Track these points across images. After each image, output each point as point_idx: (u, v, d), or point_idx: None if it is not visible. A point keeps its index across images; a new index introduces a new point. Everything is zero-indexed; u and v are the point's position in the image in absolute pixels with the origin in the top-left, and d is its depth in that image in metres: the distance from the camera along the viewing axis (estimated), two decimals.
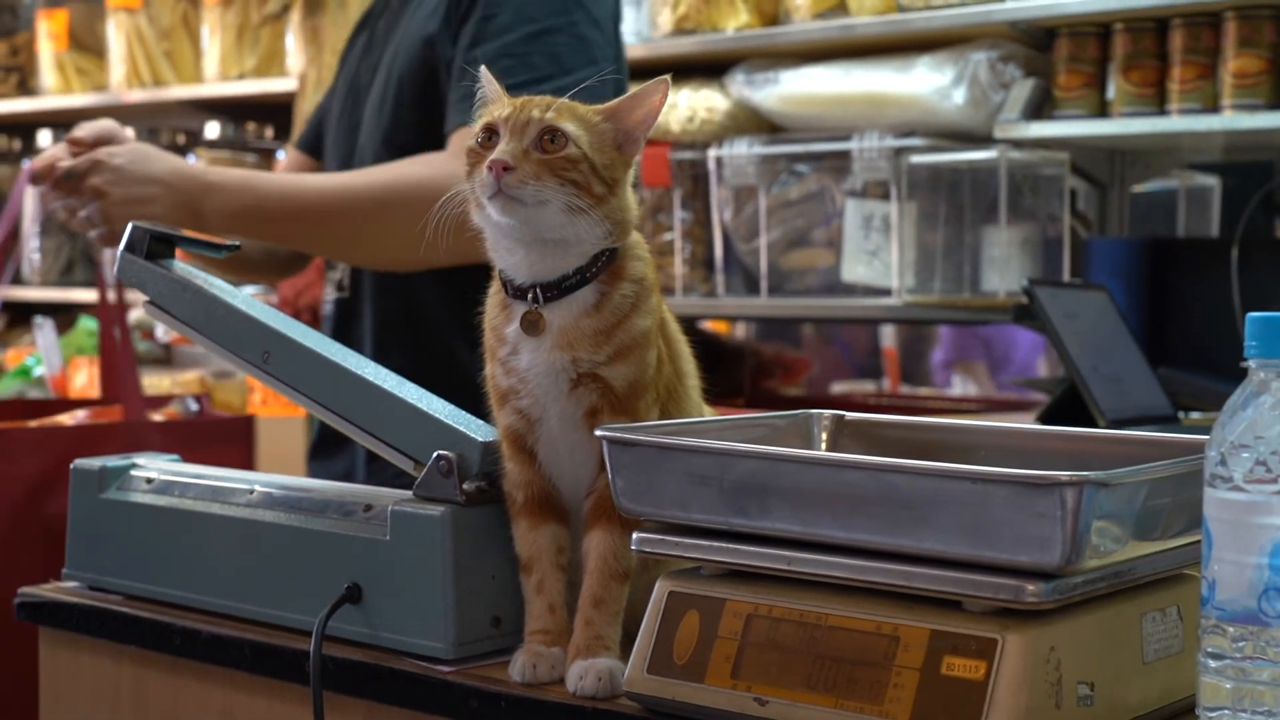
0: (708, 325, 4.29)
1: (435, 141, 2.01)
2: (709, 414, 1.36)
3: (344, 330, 2.14)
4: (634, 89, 1.25)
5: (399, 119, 2.07)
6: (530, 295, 1.23)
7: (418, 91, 2.05)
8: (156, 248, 1.57)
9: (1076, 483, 0.97)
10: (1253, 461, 0.94)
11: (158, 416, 2.24)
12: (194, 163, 1.99)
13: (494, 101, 1.27)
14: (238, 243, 1.61)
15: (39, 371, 3.83)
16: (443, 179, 1.70)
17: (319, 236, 2.00)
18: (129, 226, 1.59)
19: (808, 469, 1.09)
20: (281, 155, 4.36)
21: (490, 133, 1.22)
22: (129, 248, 1.57)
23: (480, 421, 1.34)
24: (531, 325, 1.22)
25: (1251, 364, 0.97)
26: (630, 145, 1.25)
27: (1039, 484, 0.98)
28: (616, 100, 1.25)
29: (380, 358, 1.69)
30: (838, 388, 4.59)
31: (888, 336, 5.01)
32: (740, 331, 4.63)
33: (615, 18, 2.11)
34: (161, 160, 1.91)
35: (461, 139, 1.75)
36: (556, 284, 1.23)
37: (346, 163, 2.14)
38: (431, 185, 1.70)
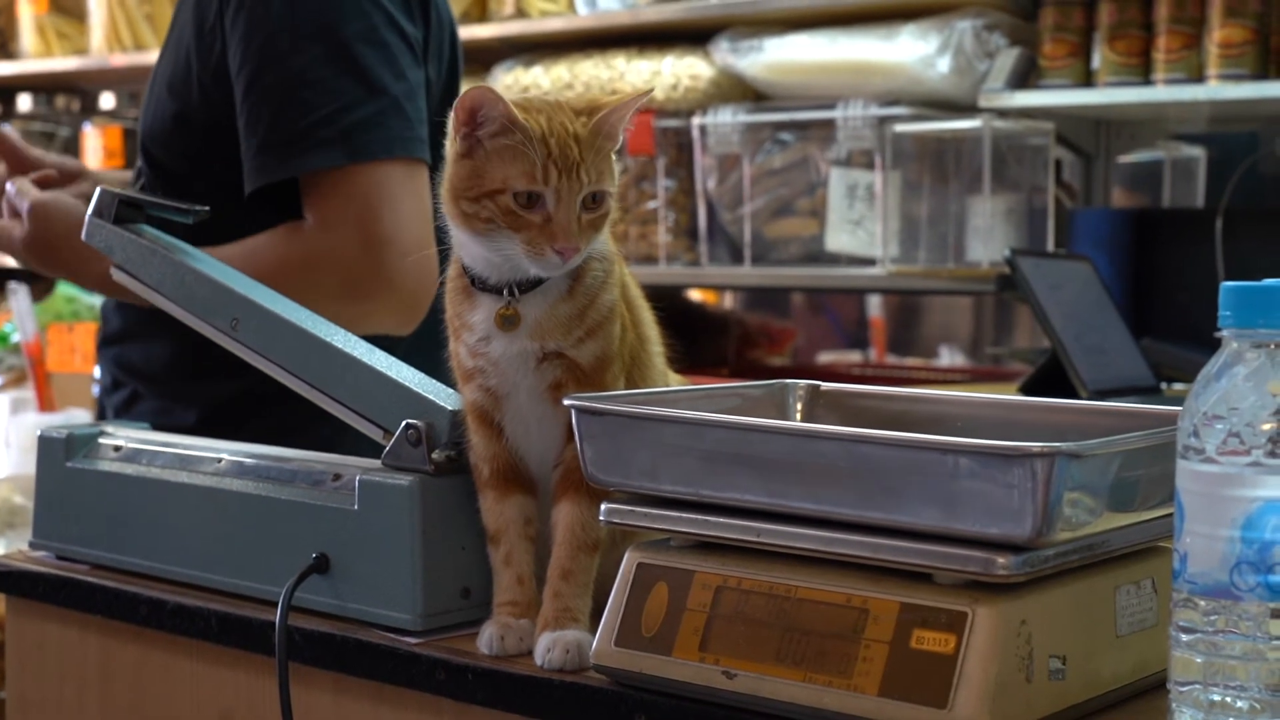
0: (695, 295, 4.28)
1: (190, 168, 1.82)
2: (674, 380, 1.35)
3: None
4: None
5: (153, 127, 1.86)
6: (506, 291, 1.21)
7: (176, 100, 1.82)
8: (125, 212, 1.55)
9: (1048, 454, 0.96)
10: (1226, 433, 0.93)
11: None
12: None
13: (494, 123, 1.17)
14: (206, 207, 1.58)
15: (16, 338, 3.81)
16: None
17: None
18: (97, 190, 1.57)
19: (777, 439, 1.08)
20: None
21: (532, 196, 1.16)
22: (97, 212, 1.55)
23: (450, 390, 1.32)
24: (507, 322, 1.20)
25: (1226, 334, 0.96)
26: (611, 142, 1.22)
27: (1009, 455, 0.97)
28: (605, 111, 1.20)
29: None
30: (824, 358, 4.58)
31: (875, 306, 4.99)
32: (728, 301, 4.61)
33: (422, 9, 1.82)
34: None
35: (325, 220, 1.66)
36: (530, 280, 1.21)
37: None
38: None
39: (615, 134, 1.21)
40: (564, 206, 1.17)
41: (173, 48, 1.86)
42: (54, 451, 1.56)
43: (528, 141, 1.16)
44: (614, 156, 1.22)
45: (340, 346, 1.38)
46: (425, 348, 1.59)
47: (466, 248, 1.23)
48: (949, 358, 4.78)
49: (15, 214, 1.83)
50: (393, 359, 1.38)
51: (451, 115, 1.19)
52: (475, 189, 1.18)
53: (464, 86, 1.35)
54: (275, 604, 1.29)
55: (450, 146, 1.21)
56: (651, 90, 1.23)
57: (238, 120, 1.74)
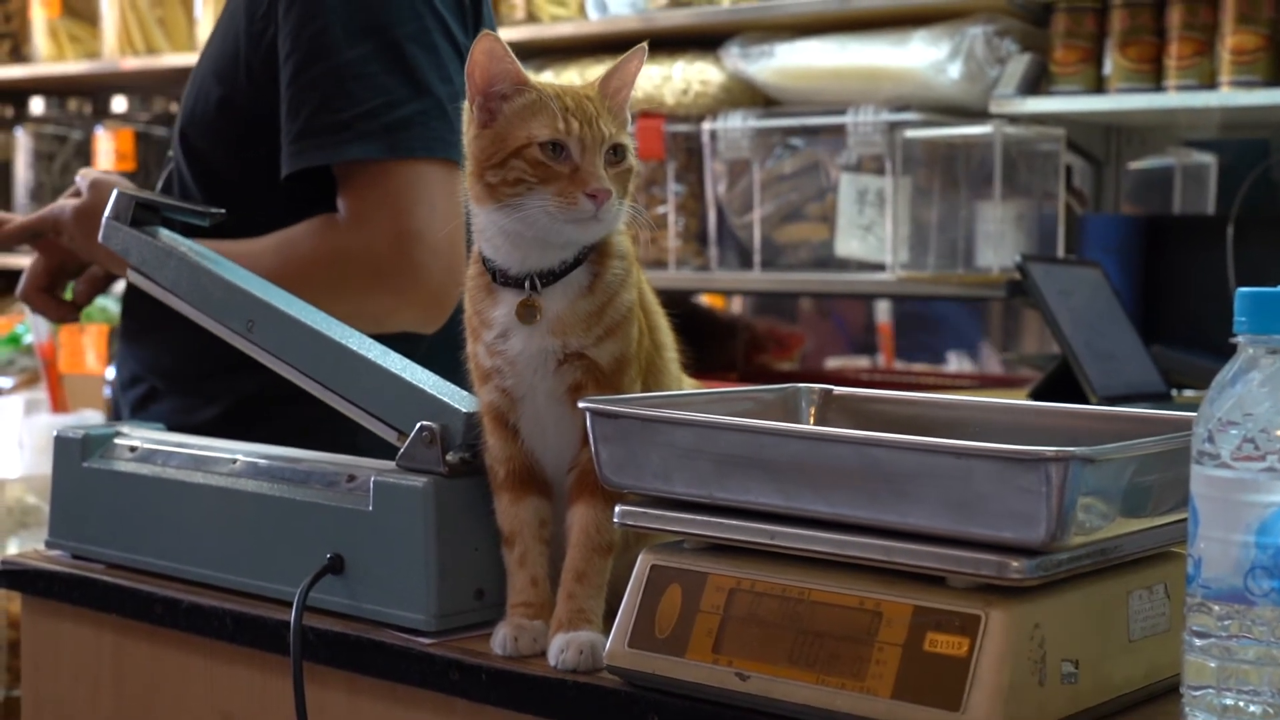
0: (703, 299, 4.28)
1: (230, 156, 1.83)
2: (689, 385, 1.35)
3: None
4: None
5: (195, 112, 1.86)
6: (527, 283, 1.22)
7: (222, 84, 1.82)
8: (142, 215, 1.56)
9: (1062, 458, 0.96)
10: (1240, 438, 0.93)
11: None
12: None
13: (509, 84, 1.21)
14: (222, 210, 1.59)
15: (29, 339, 3.82)
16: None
17: None
18: (114, 193, 1.57)
19: (790, 442, 1.08)
20: None
21: (557, 147, 1.19)
22: (114, 214, 1.55)
23: (464, 392, 1.33)
24: (528, 313, 1.21)
25: (1241, 339, 0.96)
26: (619, 110, 1.24)
27: (1023, 459, 0.97)
28: (604, 75, 1.23)
29: None
30: (832, 363, 4.58)
31: (883, 312, 4.99)
32: (736, 306, 4.61)
33: (475, 15, 1.84)
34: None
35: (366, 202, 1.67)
36: (553, 271, 1.22)
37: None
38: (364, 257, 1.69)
39: (621, 102, 1.23)
40: (589, 155, 1.19)
41: (221, 33, 1.87)
42: (70, 451, 1.57)
43: (545, 96, 1.19)
44: (630, 138, 1.24)
45: (355, 348, 1.38)
46: (446, 348, 1.60)
47: (488, 234, 1.23)
48: (957, 364, 4.78)
49: (76, 194, 1.85)
50: (407, 361, 1.38)
51: (465, 82, 1.20)
52: (500, 152, 1.20)
53: None
54: (290, 604, 1.30)
55: (468, 129, 1.23)
56: (644, 47, 1.25)
57: (281, 107, 1.76)
